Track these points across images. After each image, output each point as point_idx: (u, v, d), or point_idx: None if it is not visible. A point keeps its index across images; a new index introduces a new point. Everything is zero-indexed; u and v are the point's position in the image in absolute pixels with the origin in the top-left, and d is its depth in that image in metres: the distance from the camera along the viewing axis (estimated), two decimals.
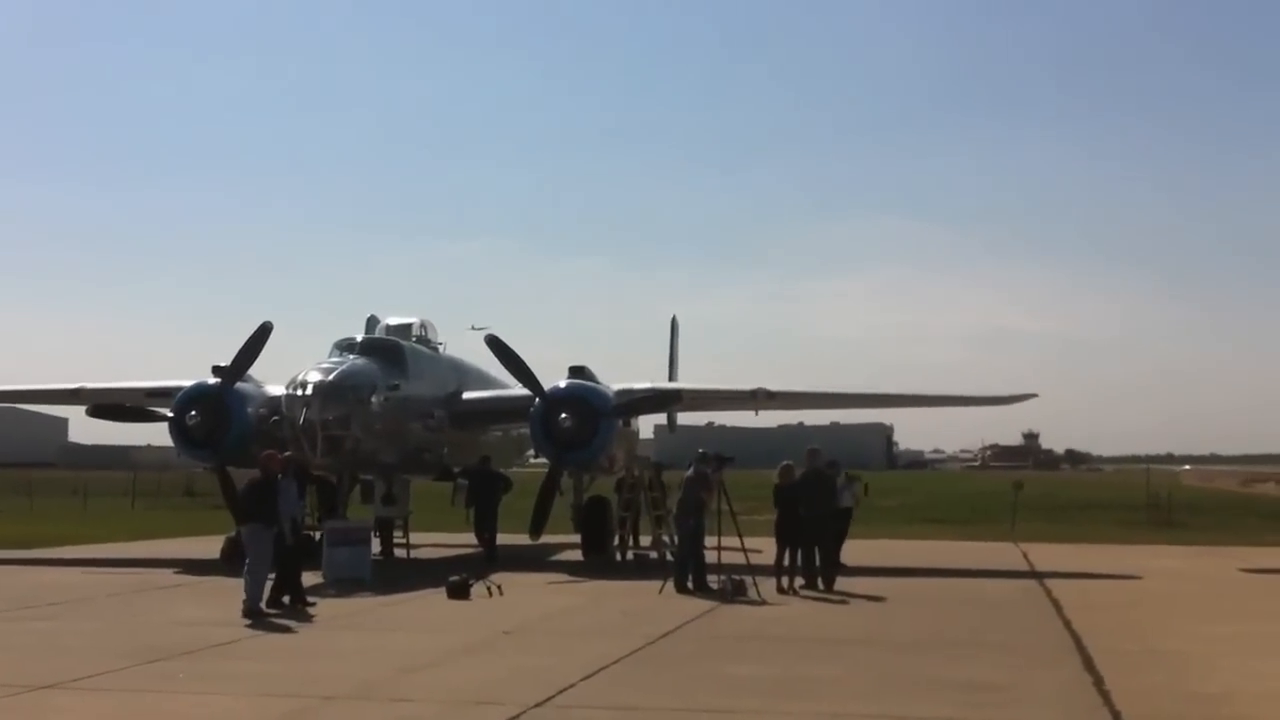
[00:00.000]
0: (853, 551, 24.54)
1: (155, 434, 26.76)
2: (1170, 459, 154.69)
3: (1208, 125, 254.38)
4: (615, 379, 27.47)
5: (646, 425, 38.42)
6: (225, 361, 25.26)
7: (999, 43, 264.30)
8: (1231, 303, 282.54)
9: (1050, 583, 22.08)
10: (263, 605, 17.42)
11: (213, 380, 25.32)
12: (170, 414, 25.30)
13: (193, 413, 24.98)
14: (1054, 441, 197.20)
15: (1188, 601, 19.91)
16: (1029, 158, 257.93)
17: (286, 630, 16.19)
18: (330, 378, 23.64)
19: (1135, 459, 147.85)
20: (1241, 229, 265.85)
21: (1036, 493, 49.07)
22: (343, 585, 20.82)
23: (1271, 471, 30.54)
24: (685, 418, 40.69)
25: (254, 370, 25.91)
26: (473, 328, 28.32)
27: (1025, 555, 28.42)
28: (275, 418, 24.53)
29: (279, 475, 18.44)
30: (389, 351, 25.97)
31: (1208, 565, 26.12)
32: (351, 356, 25.02)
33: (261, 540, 17.64)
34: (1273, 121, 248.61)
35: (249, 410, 25.27)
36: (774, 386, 29.08)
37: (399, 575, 22.87)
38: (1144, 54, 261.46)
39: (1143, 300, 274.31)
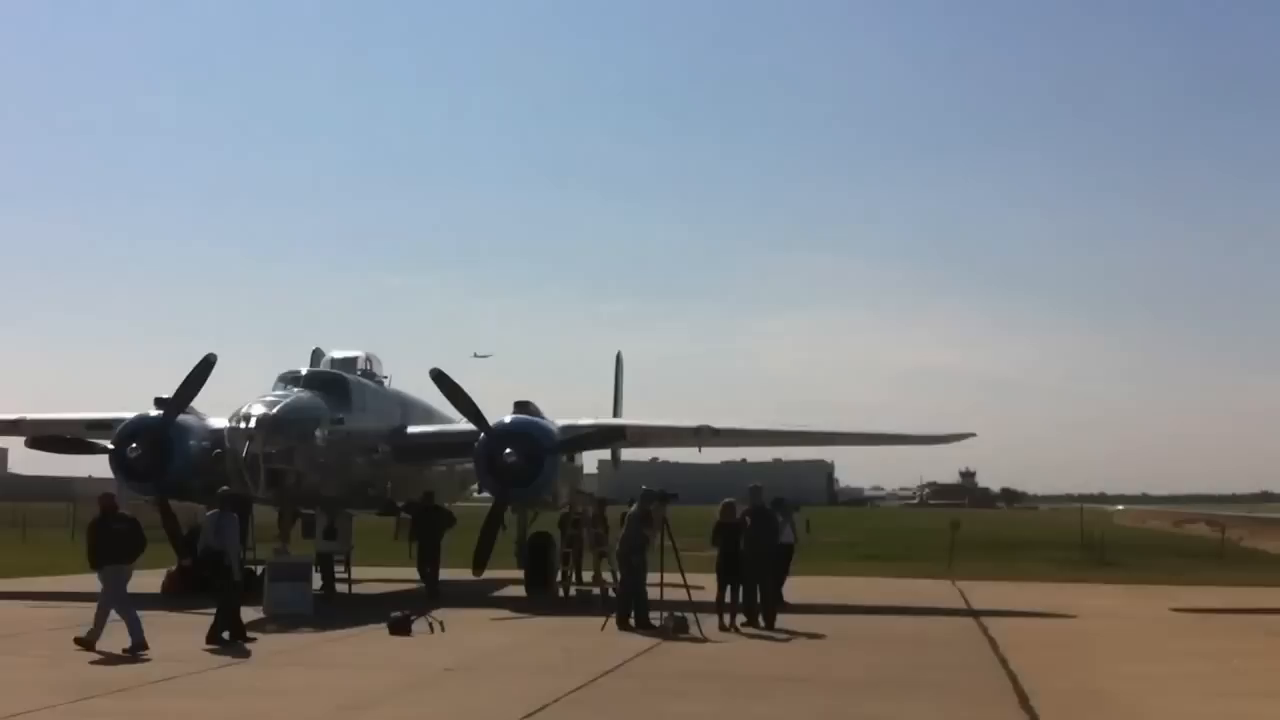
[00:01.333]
0: (794, 588, 24.73)
1: (96, 465, 26.60)
2: (1103, 498, 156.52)
3: (1136, 172, 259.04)
4: (560, 415, 27.62)
5: (591, 461, 38.61)
6: (168, 394, 25.17)
7: (931, 87, 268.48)
8: (1161, 345, 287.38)
9: (987, 621, 22.37)
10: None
11: (155, 412, 25.23)
12: (111, 446, 25.15)
13: (134, 445, 24.86)
14: (990, 480, 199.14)
15: (1121, 640, 20.25)
16: (965, 199, 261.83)
17: (226, 666, 16.13)
18: (274, 411, 23.60)
19: (1069, 498, 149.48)
20: (1169, 273, 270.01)
21: (973, 531, 49.55)
22: (284, 620, 20.75)
23: (1201, 512, 31.12)
24: (629, 453, 40.93)
25: (197, 403, 25.79)
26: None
27: (963, 593, 28.73)
28: (218, 451, 24.46)
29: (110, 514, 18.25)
30: (333, 385, 25.95)
31: (1140, 604, 26.53)
32: (296, 390, 24.99)
33: (118, 581, 17.50)
34: (1200, 169, 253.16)
35: (191, 443, 25.20)
36: (718, 423, 29.30)
37: (340, 611, 22.80)
38: (1070, 99, 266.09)
39: (1077, 342, 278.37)
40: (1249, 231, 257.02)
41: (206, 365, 25.12)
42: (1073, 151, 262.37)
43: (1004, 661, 17.13)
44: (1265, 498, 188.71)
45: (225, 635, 18.05)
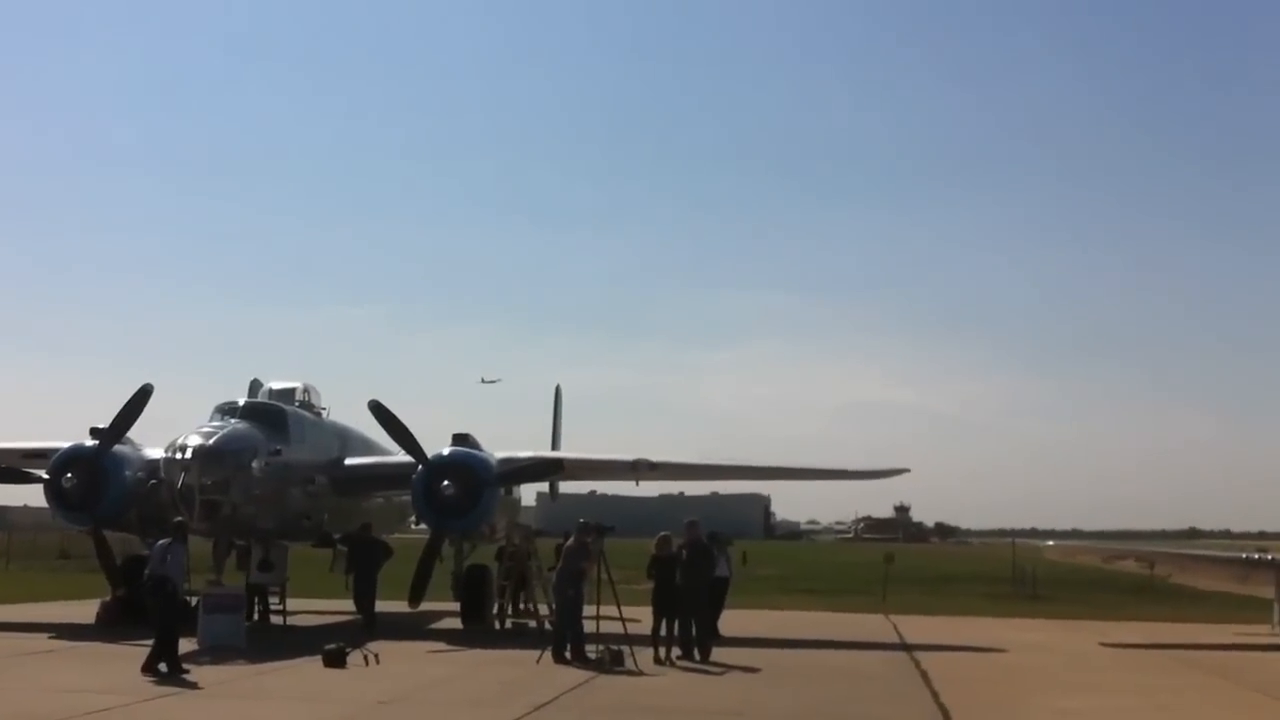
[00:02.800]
0: (730, 621, 24.92)
1: (31, 495, 26.29)
2: (1034, 533, 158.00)
3: (1071, 214, 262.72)
4: (499, 447, 27.67)
5: (529, 493, 38.59)
6: (104, 424, 24.99)
7: (873, 126, 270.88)
8: (1093, 384, 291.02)
9: (919, 655, 22.64)
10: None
11: (90, 442, 25.03)
12: (46, 476, 24.92)
13: (69, 475, 24.62)
14: (924, 514, 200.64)
15: (1050, 675, 20.56)
16: (901, 238, 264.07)
17: (161, 698, 16.04)
18: (210, 442, 23.51)
19: (1001, 533, 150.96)
20: (1100, 313, 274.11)
21: (907, 565, 50.02)
22: (217, 652, 20.63)
23: (1130, 548, 31.65)
24: (567, 486, 40.93)
25: (134, 433, 25.61)
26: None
27: (896, 627, 29.03)
28: (154, 481, 24.33)
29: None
30: (271, 416, 25.89)
31: (1070, 639, 26.93)
32: (233, 421, 24.92)
33: None
34: (1133, 213, 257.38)
35: (127, 473, 25.02)
36: (655, 457, 29.46)
37: (275, 643, 22.69)
38: (1010, 141, 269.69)
39: (1010, 379, 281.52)
40: (1178, 272, 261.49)
41: (143, 395, 24.96)
42: (1010, 193, 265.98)
43: (935, 695, 17.37)
44: (1193, 534, 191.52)
45: (162, 666, 17.93)
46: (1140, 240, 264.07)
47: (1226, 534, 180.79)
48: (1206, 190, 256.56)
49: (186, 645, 19.70)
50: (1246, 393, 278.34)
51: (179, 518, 20.37)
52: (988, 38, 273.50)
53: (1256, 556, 29.28)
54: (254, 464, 24.29)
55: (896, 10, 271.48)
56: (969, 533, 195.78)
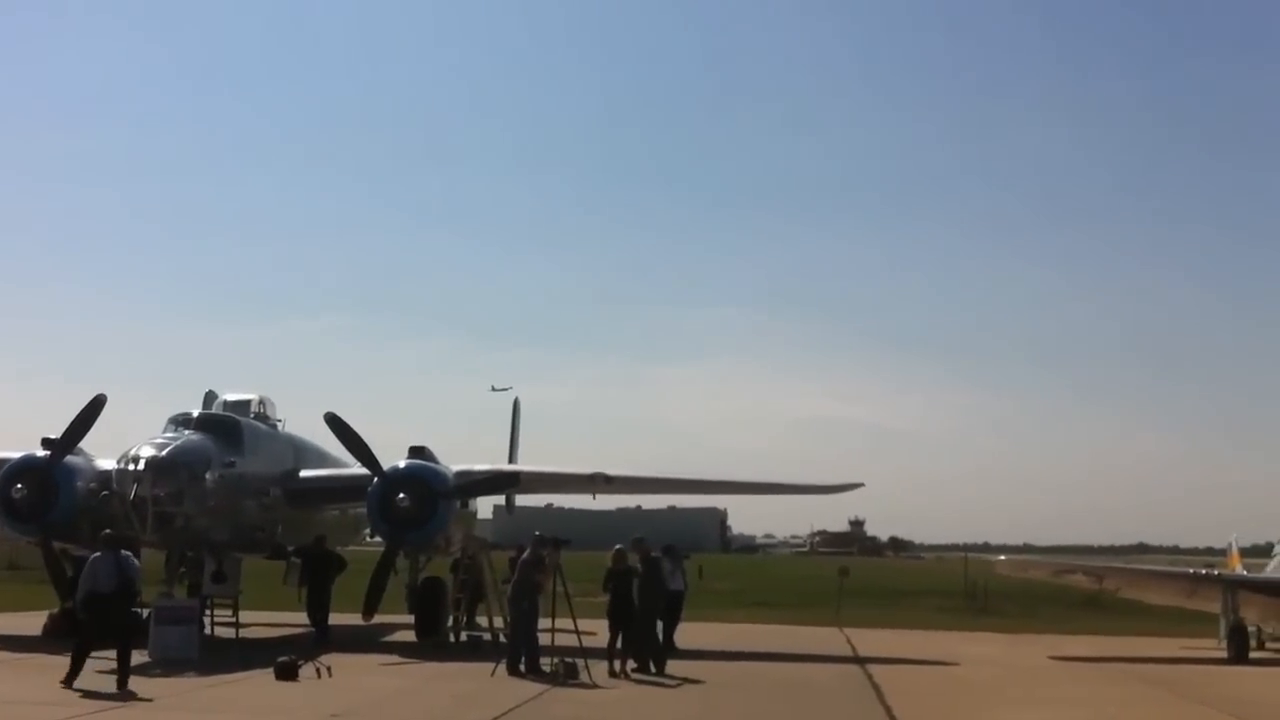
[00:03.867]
0: (685, 634, 25.01)
1: None
2: (987, 548, 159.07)
3: (1020, 234, 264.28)
4: (456, 460, 27.66)
5: (486, 506, 38.60)
6: (56, 434, 24.80)
7: (826, 149, 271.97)
8: (1045, 401, 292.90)
9: (872, 668, 22.81)
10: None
11: (41, 453, 24.83)
12: None
13: (19, 485, 24.42)
14: (879, 529, 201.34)
15: (1001, 688, 20.77)
16: (854, 258, 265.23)
17: (108, 710, 15.94)
18: (163, 453, 23.35)
19: (954, 547, 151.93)
20: (1052, 331, 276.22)
21: (861, 578, 50.24)
22: (169, 665, 20.51)
23: (1079, 563, 31.92)
24: (524, 499, 40.90)
25: (86, 444, 25.43)
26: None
27: (849, 640, 29.22)
28: (105, 492, 24.15)
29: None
30: (225, 428, 25.76)
31: (1020, 652, 27.19)
32: (187, 432, 24.77)
33: None
34: (1082, 233, 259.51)
35: (78, 484, 24.83)
36: (613, 471, 29.51)
37: (227, 656, 22.56)
38: (959, 162, 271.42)
39: (964, 395, 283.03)
40: (1127, 289, 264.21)
41: (96, 406, 24.78)
42: (959, 211, 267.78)
43: (888, 709, 17.51)
44: (1142, 549, 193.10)
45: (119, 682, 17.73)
46: (1090, 258, 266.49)
47: (1175, 550, 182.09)
48: (1149, 205, 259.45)
49: (139, 658, 19.59)
50: (1196, 411, 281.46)
51: (107, 530, 20.10)
52: (929, 62, 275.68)
53: (1203, 572, 29.68)
54: (207, 475, 24.14)
55: (843, 35, 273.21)
56: (923, 547, 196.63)
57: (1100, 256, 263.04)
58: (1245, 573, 29.30)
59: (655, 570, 22.19)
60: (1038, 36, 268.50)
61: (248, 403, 27.78)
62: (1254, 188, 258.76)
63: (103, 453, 25.58)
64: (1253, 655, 26.92)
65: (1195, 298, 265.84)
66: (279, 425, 28.70)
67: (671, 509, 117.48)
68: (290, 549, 28.20)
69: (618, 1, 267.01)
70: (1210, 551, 75.54)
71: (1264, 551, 31.75)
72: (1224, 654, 26.70)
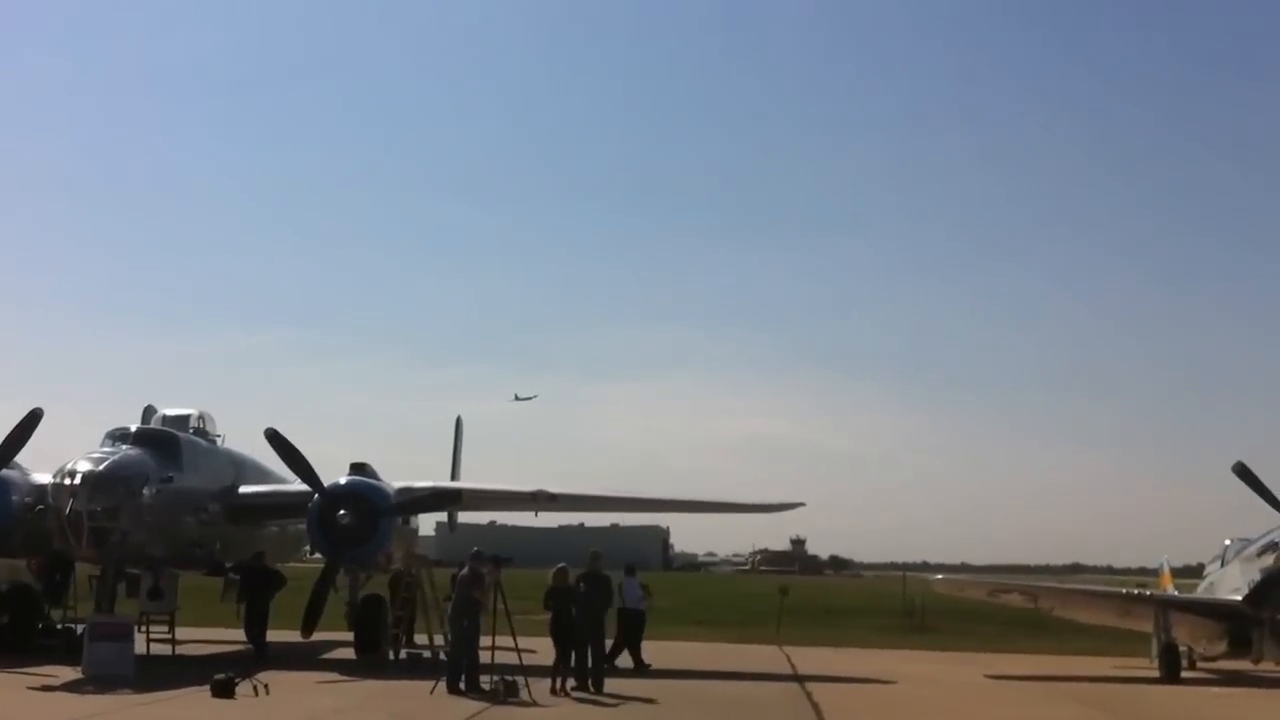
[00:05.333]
0: (627, 654, 25.09)
1: None
2: (925, 567, 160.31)
3: (953, 261, 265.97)
4: (398, 477, 27.58)
5: (428, 523, 38.45)
6: None
7: (769, 174, 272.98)
8: (981, 422, 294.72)
9: (811, 686, 22.97)
10: None
11: None
12: None
13: None
14: (820, 548, 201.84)
15: (938, 706, 21.01)
16: (795, 277, 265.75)
17: None
18: (100, 468, 23.13)
19: (894, 566, 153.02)
20: (986, 355, 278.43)
21: (801, 597, 50.45)
22: (104, 682, 20.32)
23: (1015, 582, 32.30)
24: (467, 516, 40.83)
25: (22, 458, 25.16)
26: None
27: (789, 658, 29.37)
28: (41, 507, 23.91)
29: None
30: (164, 443, 25.59)
31: (956, 671, 27.45)
32: (124, 447, 24.56)
33: None
34: (1013, 264, 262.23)
35: (14, 498, 24.58)
36: (555, 488, 29.53)
37: (163, 672, 22.37)
38: (895, 192, 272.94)
39: (902, 416, 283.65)
40: (1061, 314, 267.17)
41: (32, 420, 24.53)
42: (895, 239, 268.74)
43: None
44: (1076, 569, 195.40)
45: None
46: (1030, 289, 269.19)
47: (1109, 570, 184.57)
48: (1074, 235, 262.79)
49: (72, 674, 19.42)
50: (1130, 433, 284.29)
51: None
52: (871, 84, 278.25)
53: (1136, 592, 30.13)
54: (145, 491, 23.93)
55: (787, 58, 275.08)
56: (863, 566, 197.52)
57: (1037, 287, 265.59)
58: (1176, 593, 29.78)
59: (597, 588, 22.22)
60: (958, 69, 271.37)
61: (187, 418, 27.61)
62: (1178, 223, 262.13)
63: (39, 468, 25.33)
64: (1184, 675, 27.32)
65: (1129, 321, 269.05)
66: (218, 441, 28.52)
67: (614, 527, 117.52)
68: (229, 565, 28.01)
69: (560, 22, 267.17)
70: (1143, 572, 76.46)
71: (1195, 572, 32.28)
72: (1156, 673, 27.10)
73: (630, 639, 26.03)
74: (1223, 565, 27.95)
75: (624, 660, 25.52)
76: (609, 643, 23.64)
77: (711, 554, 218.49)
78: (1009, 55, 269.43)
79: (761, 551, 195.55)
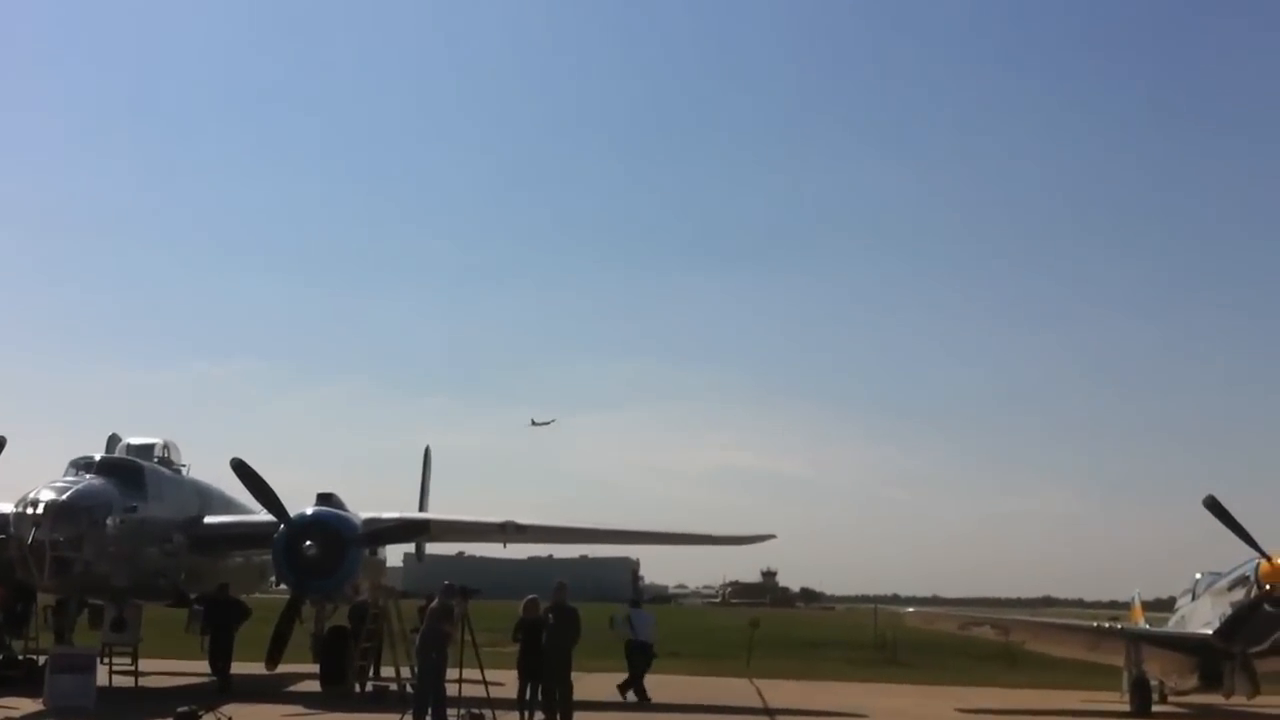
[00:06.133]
0: (593, 685, 24.89)
1: None
2: (896, 599, 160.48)
3: (912, 297, 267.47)
4: (366, 507, 27.38)
5: (396, 554, 38.17)
6: None
7: (737, 199, 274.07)
8: (951, 455, 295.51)
9: (781, 719, 22.84)
10: None
11: None
12: None
13: None
14: (791, 580, 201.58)
15: None
16: (765, 307, 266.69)
17: None
18: (63, 497, 22.87)
19: (865, 598, 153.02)
20: (956, 388, 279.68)
21: (772, 630, 50.33)
22: (65, 713, 20.03)
23: (986, 615, 32.24)
24: (435, 547, 40.51)
25: None
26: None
27: (760, 692, 29.21)
28: (2, 536, 23.58)
29: None
30: (128, 472, 25.35)
31: (928, 704, 27.34)
32: (88, 476, 24.30)
33: None
34: (966, 298, 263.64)
35: None
36: (524, 520, 29.36)
37: (126, 705, 22.06)
38: (850, 225, 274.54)
39: (873, 449, 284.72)
40: (1033, 350, 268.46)
41: None
42: (861, 271, 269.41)
43: None
44: (1048, 602, 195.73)
45: None
46: (993, 318, 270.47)
47: (1080, 603, 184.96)
48: (1052, 265, 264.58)
49: (33, 706, 19.11)
50: (1100, 467, 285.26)
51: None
52: (831, 114, 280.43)
53: (1107, 625, 30.09)
54: (108, 520, 23.70)
55: (747, 91, 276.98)
56: (834, 598, 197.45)
57: (996, 317, 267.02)
58: (1148, 627, 29.76)
59: (567, 620, 22.02)
60: (912, 103, 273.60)
61: (151, 447, 27.40)
62: (1147, 257, 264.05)
63: (2, 496, 25.00)
64: (1155, 709, 27.29)
65: (1097, 354, 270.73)
66: (184, 470, 28.30)
67: (584, 558, 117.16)
68: (193, 596, 27.73)
69: (531, 54, 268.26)
70: (1115, 605, 76.67)
71: (1166, 605, 32.27)
72: (1127, 707, 27.05)
73: (637, 671, 26.05)
74: (1194, 599, 27.92)
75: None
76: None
77: (682, 586, 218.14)
78: (964, 87, 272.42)
79: (732, 584, 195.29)
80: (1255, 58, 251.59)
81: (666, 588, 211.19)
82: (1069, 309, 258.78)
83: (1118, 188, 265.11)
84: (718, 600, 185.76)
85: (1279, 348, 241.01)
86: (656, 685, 29.42)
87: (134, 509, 24.59)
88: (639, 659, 26.26)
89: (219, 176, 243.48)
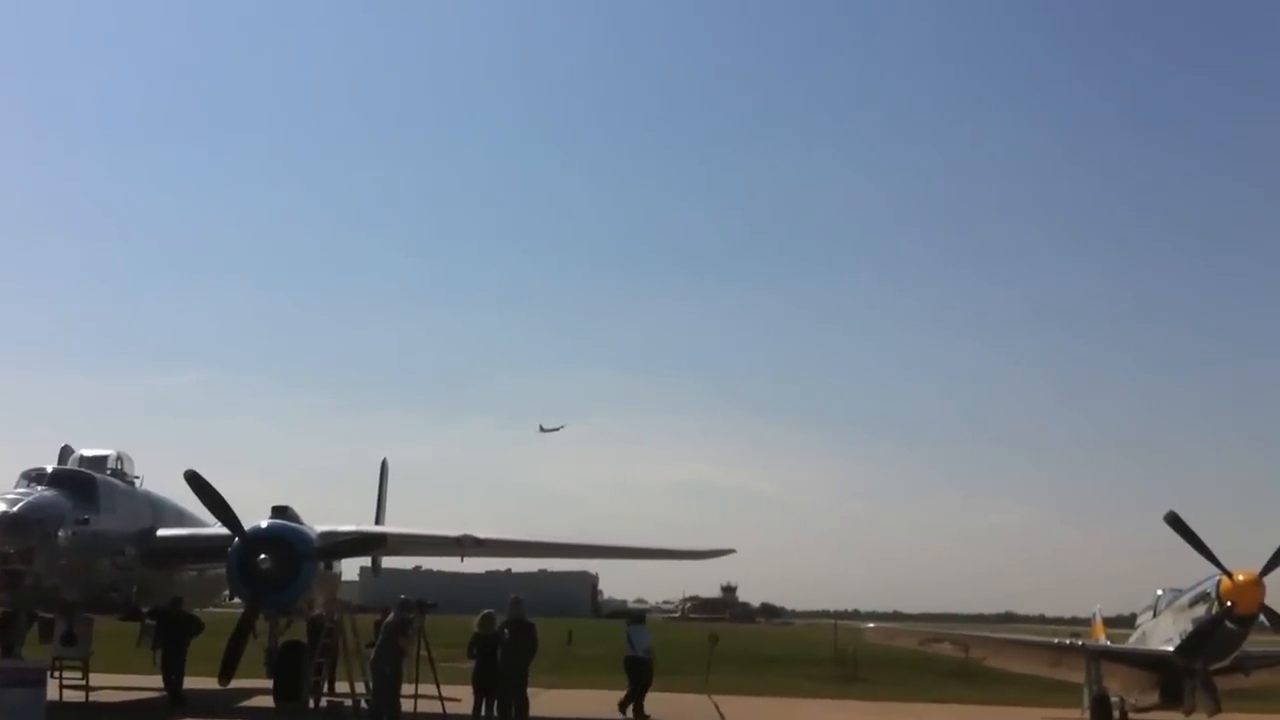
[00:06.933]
0: (549, 703, 24.67)
1: None
2: (857, 615, 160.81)
3: (866, 305, 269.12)
4: (322, 521, 27.04)
5: (352, 568, 37.80)
6: None
7: (701, 208, 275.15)
8: (913, 471, 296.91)
9: None
10: None
11: None
12: None
13: None
14: (751, 595, 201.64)
15: None
16: (724, 321, 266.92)
17: None
18: (13, 509, 22.48)
19: (825, 614, 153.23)
20: (914, 399, 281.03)
21: (732, 645, 50.18)
22: None
23: (946, 631, 32.19)
24: (391, 561, 40.20)
25: None
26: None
27: (718, 707, 29.02)
28: None
29: None
30: (80, 484, 24.97)
31: None
32: (39, 488, 23.89)
33: None
34: (923, 316, 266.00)
35: None
36: (482, 533, 29.12)
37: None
38: (808, 240, 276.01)
39: (837, 465, 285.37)
40: (993, 367, 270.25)
41: None
42: (825, 289, 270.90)
43: None
44: (1009, 618, 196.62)
45: None
46: (952, 334, 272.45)
47: (1041, 619, 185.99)
48: (1012, 280, 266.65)
49: None
50: (1062, 483, 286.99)
51: None
52: (802, 124, 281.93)
53: (1068, 641, 30.06)
54: (60, 533, 23.33)
55: (710, 103, 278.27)
56: (794, 613, 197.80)
57: (956, 333, 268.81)
58: (1109, 643, 29.76)
59: (521, 635, 21.83)
60: (868, 114, 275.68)
61: (105, 459, 27.00)
62: (1102, 276, 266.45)
63: None
64: None
65: (1060, 370, 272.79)
66: (137, 482, 27.91)
67: (542, 573, 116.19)
68: (145, 610, 27.34)
69: (476, 66, 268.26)
70: (1076, 621, 76.89)
71: (1127, 622, 32.29)
72: None
73: (637, 687, 25.91)
74: (1155, 615, 27.94)
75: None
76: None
77: (641, 601, 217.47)
78: (917, 101, 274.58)
79: (692, 599, 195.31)
80: (1210, 70, 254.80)
81: (626, 603, 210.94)
82: (1032, 325, 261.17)
83: (1082, 203, 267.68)
84: (677, 615, 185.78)
85: (1241, 365, 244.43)
86: (611, 700, 29.27)
87: (86, 521, 24.22)
88: (639, 675, 26.08)
89: (172, 186, 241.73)
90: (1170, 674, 26.05)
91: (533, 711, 21.38)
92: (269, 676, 26.90)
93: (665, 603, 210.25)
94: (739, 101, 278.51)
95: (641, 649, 26.17)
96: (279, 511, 25.92)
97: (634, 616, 26.80)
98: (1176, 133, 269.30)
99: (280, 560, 24.71)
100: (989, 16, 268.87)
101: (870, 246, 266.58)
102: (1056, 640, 30.72)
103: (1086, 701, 27.80)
